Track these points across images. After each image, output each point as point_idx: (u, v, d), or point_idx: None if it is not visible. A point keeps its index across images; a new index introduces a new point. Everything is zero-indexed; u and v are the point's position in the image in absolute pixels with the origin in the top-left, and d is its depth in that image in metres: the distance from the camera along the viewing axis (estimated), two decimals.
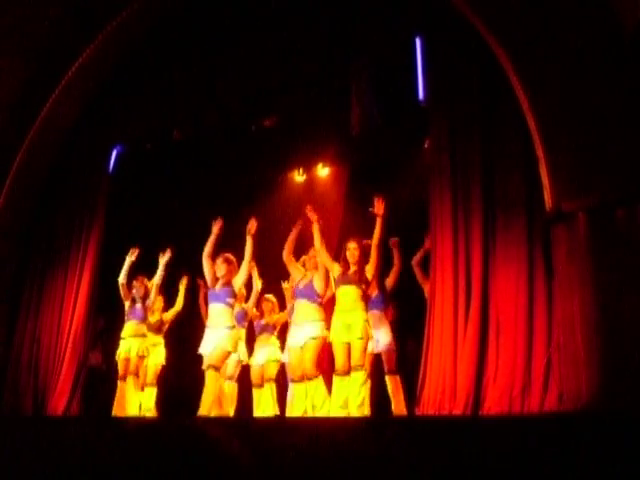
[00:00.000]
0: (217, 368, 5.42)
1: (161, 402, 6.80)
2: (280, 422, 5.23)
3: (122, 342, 6.61)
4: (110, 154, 7.44)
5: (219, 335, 5.45)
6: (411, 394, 5.51)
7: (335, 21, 6.15)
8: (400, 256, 5.96)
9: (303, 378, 5.54)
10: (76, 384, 6.73)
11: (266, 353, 6.59)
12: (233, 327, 5.54)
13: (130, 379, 6.48)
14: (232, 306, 5.62)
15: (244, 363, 6.55)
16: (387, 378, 5.78)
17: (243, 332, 6.48)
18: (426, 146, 5.90)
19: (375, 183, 7.49)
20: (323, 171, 7.96)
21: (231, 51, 6.64)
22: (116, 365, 6.62)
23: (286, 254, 5.78)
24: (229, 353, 5.56)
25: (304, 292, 5.62)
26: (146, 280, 6.70)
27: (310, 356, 5.41)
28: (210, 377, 5.35)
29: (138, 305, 6.65)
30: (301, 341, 5.51)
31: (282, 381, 6.64)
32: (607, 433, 3.45)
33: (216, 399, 5.49)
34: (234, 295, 5.61)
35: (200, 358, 5.56)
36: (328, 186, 7.99)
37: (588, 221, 4.58)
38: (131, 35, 7.08)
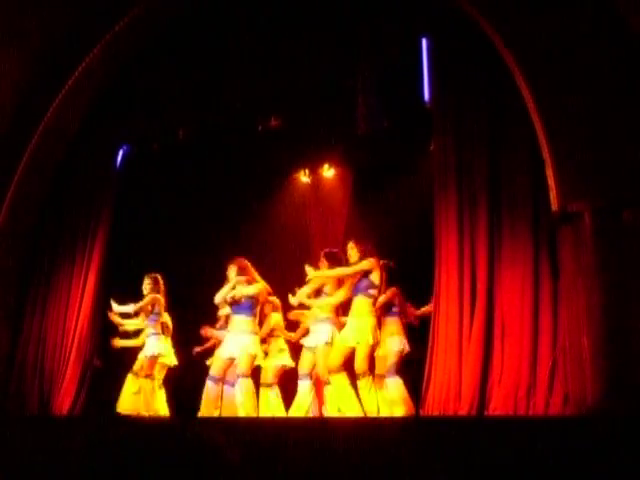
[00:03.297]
0: (247, 376, 5.59)
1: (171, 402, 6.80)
2: (283, 423, 5.24)
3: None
4: (116, 154, 7.45)
5: (243, 341, 5.60)
6: (414, 396, 5.51)
7: (341, 21, 6.14)
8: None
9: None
10: (82, 384, 6.72)
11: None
12: (256, 333, 5.73)
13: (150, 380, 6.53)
14: (255, 315, 5.78)
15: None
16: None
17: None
18: (431, 147, 5.89)
19: (380, 184, 7.51)
20: (329, 172, 7.97)
21: (237, 51, 6.64)
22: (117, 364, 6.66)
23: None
24: (255, 356, 5.69)
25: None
26: (159, 278, 6.69)
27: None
28: (243, 384, 5.54)
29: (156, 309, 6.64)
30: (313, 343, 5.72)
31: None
32: (612, 435, 3.45)
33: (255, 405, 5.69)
34: (256, 304, 5.77)
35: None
36: (333, 187, 7.99)
37: (594, 222, 4.57)
38: (137, 36, 7.09)
